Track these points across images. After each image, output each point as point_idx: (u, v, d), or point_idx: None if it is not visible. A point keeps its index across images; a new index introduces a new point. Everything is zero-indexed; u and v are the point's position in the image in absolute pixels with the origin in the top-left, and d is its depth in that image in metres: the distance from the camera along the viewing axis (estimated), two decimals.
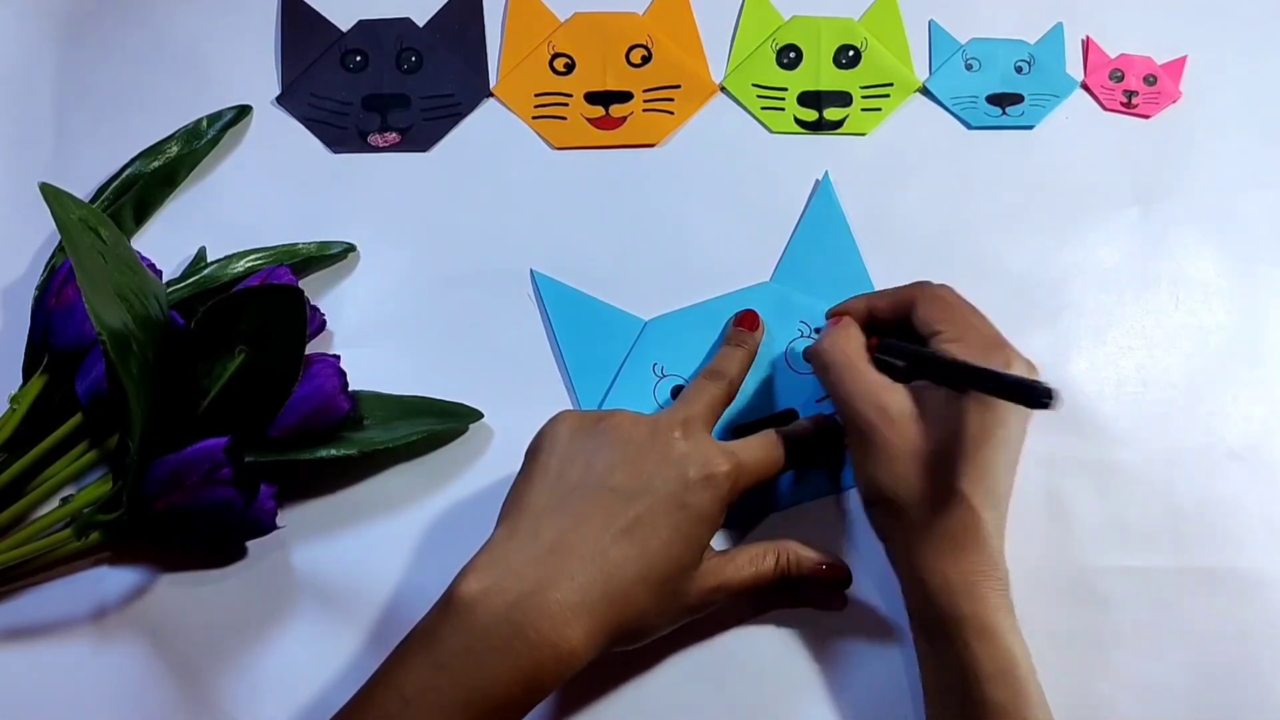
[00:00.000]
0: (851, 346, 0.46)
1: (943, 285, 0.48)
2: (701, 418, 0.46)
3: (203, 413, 0.46)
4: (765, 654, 0.49)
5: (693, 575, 0.43)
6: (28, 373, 0.49)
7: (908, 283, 0.48)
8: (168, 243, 0.54)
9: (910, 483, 0.42)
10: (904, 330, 0.47)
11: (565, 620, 0.38)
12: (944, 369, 0.43)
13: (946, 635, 0.41)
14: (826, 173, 0.56)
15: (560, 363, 0.53)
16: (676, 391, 0.52)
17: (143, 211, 0.55)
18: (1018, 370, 0.43)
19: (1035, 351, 0.54)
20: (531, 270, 0.54)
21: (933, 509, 0.42)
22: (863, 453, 0.44)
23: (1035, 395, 0.37)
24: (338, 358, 0.50)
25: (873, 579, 0.49)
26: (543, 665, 0.38)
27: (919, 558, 0.42)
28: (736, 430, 0.51)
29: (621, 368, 0.52)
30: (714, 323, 0.53)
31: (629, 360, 0.52)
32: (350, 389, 0.49)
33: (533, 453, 0.44)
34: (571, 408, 0.52)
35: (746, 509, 0.50)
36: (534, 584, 0.39)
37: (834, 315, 0.50)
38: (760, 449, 0.46)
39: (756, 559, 0.45)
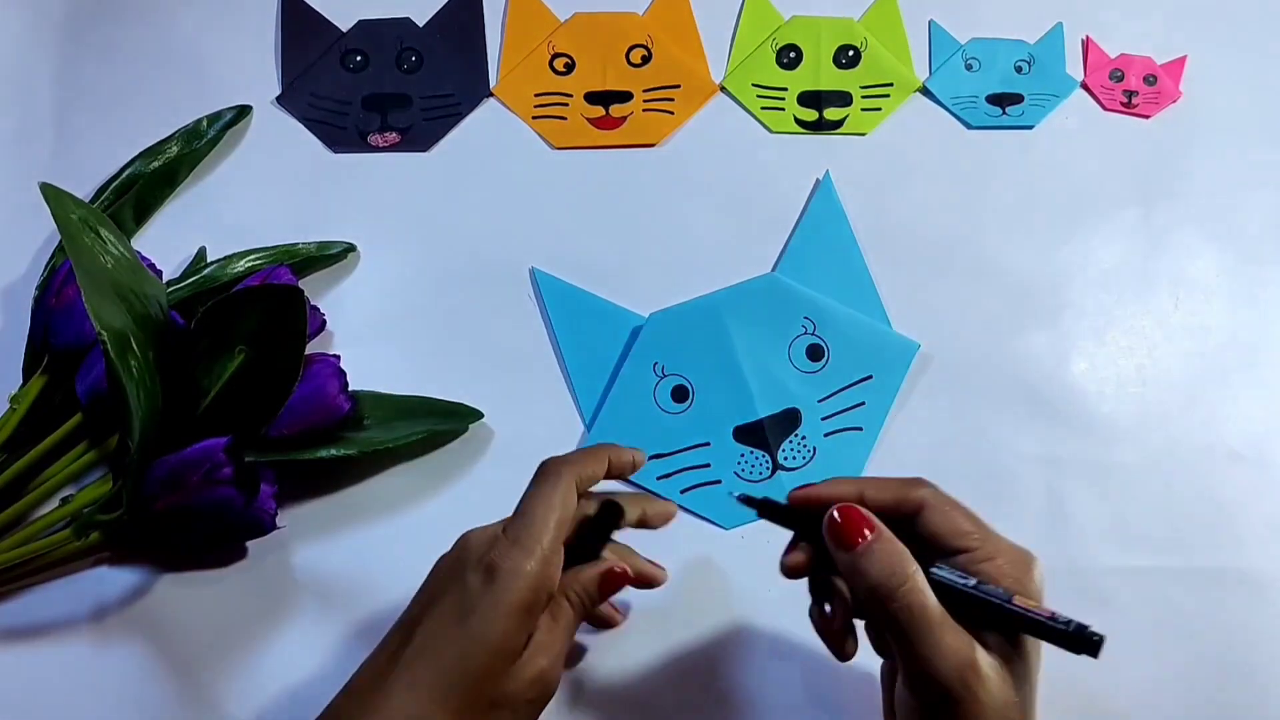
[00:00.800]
0: (920, 581, 0.36)
1: (942, 492, 0.40)
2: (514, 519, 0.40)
3: (203, 413, 0.46)
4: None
5: (511, 672, 0.38)
6: (28, 373, 0.49)
7: (902, 476, 0.40)
8: (168, 243, 0.54)
9: None
10: (900, 532, 0.38)
11: None
12: (1002, 612, 0.36)
13: None
14: (828, 171, 0.55)
15: (560, 362, 0.53)
16: (678, 393, 0.52)
17: (143, 211, 0.55)
18: (1038, 575, 0.38)
19: (1035, 351, 0.54)
20: (532, 268, 0.53)
21: None
22: None
23: (1091, 646, 0.35)
24: (338, 358, 0.50)
25: None
26: None
27: None
28: (738, 431, 0.51)
29: (622, 367, 0.52)
30: (716, 318, 0.53)
31: (629, 359, 0.52)
32: (350, 389, 0.49)
33: None
34: (574, 408, 0.53)
35: (742, 511, 0.48)
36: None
37: (805, 499, 0.40)
38: (536, 511, 0.40)
39: (556, 615, 0.41)
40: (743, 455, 0.51)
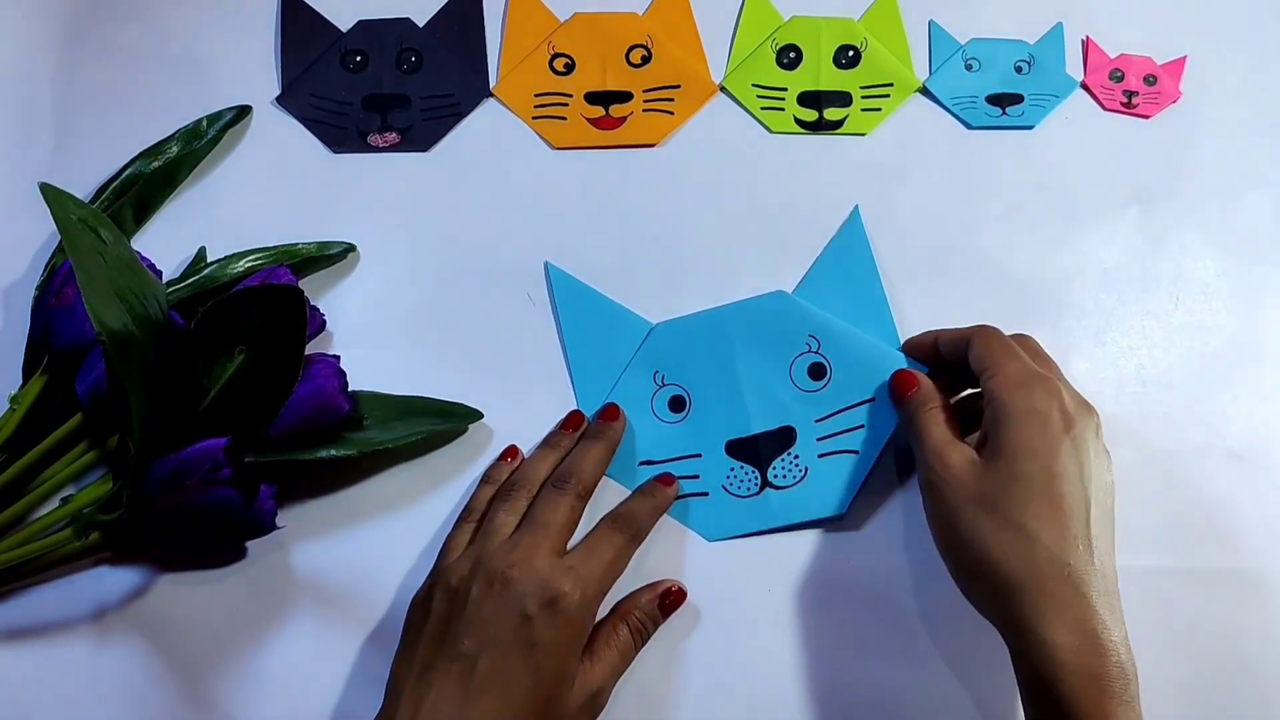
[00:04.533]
0: (933, 412, 0.47)
1: (994, 328, 0.49)
2: (547, 539, 0.45)
3: (203, 413, 0.46)
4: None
5: (568, 697, 0.42)
6: (28, 373, 0.49)
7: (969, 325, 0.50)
8: (168, 243, 0.54)
9: (984, 535, 0.42)
10: (964, 370, 0.48)
11: None
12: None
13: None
14: (857, 207, 0.55)
15: (565, 359, 0.53)
16: (675, 403, 0.51)
17: (143, 211, 0.55)
18: (1040, 398, 0.44)
19: None
20: (546, 263, 0.53)
21: (1017, 562, 0.41)
22: (930, 509, 0.45)
23: None
24: (338, 358, 0.50)
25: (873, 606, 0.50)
26: None
27: (1022, 625, 0.41)
28: (731, 446, 0.51)
29: (623, 371, 0.52)
30: (721, 332, 0.52)
31: (632, 364, 0.52)
32: (350, 389, 0.49)
33: (405, 624, 0.45)
34: (574, 404, 0.53)
35: (726, 525, 0.50)
36: None
37: (897, 380, 0.50)
38: (602, 550, 0.45)
39: (611, 642, 0.45)
40: (732, 469, 0.51)
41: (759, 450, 0.51)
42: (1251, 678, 0.49)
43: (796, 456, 0.50)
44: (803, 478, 0.50)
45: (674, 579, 0.48)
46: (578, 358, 0.52)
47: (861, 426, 0.51)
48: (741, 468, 0.50)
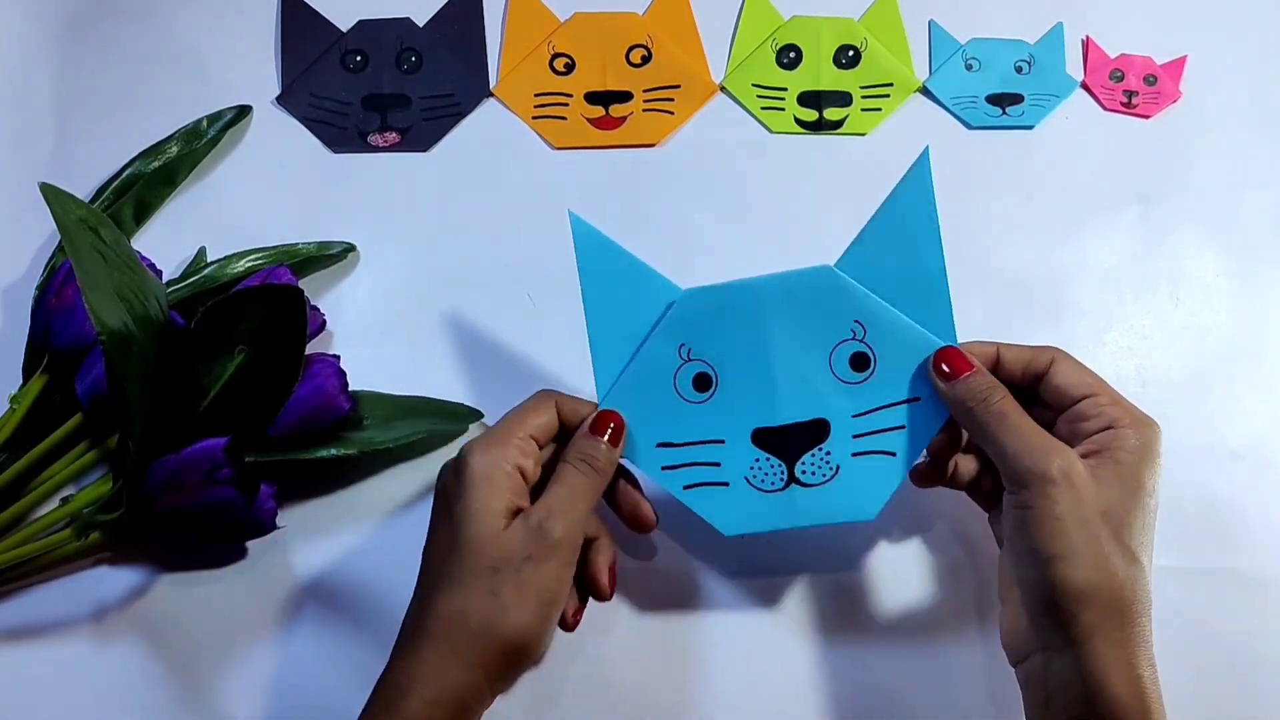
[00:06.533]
0: (1010, 398, 0.42)
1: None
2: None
3: (203, 413, 0.46)
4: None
5: (498, 545, 0.41)
6: (28, 373, 0.49)
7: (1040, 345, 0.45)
8: (168, 243, 0.54)
9: (1109, 553, 0.39)
10: (1027, 394, 0.44)
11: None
12: None
13: None
14: (927, 148, 0.45)
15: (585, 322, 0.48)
16: (700, 380, 0.46)
17: (143, 211, 0.55)
18: (1155, 437, 0.42)
19: None
20: (569, 211, 0.47)
21: (1132, 588, 0.39)
22: (1029, 515, 0.40)
23: None
24: (338, 358, 0.50)
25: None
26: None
27: (1108, 651, 0.38)
28: (757, 434, 0.46)
29: (646, 341, 0.47)
30: (757, 306, 0.46)
31: (655, 334, 0.47)
32: (350, 389, 0.49)
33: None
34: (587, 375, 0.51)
35: (746, 520, 0.46)
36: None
37: (951, 357, 0.44)
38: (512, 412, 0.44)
39: (554, 478, 0.43)
40: (757, 460, 0.46)
41: (788, 442, 0.46)
42: (1252, 677, 0.49)
43: (829, 453, 0.46)
44: (833, 476, 0.46)
45: (597, 406, 0.46)
46: (597, 321, 0.47)
47: (903, 427, 0.45)
48: (768, 459, 0.46)
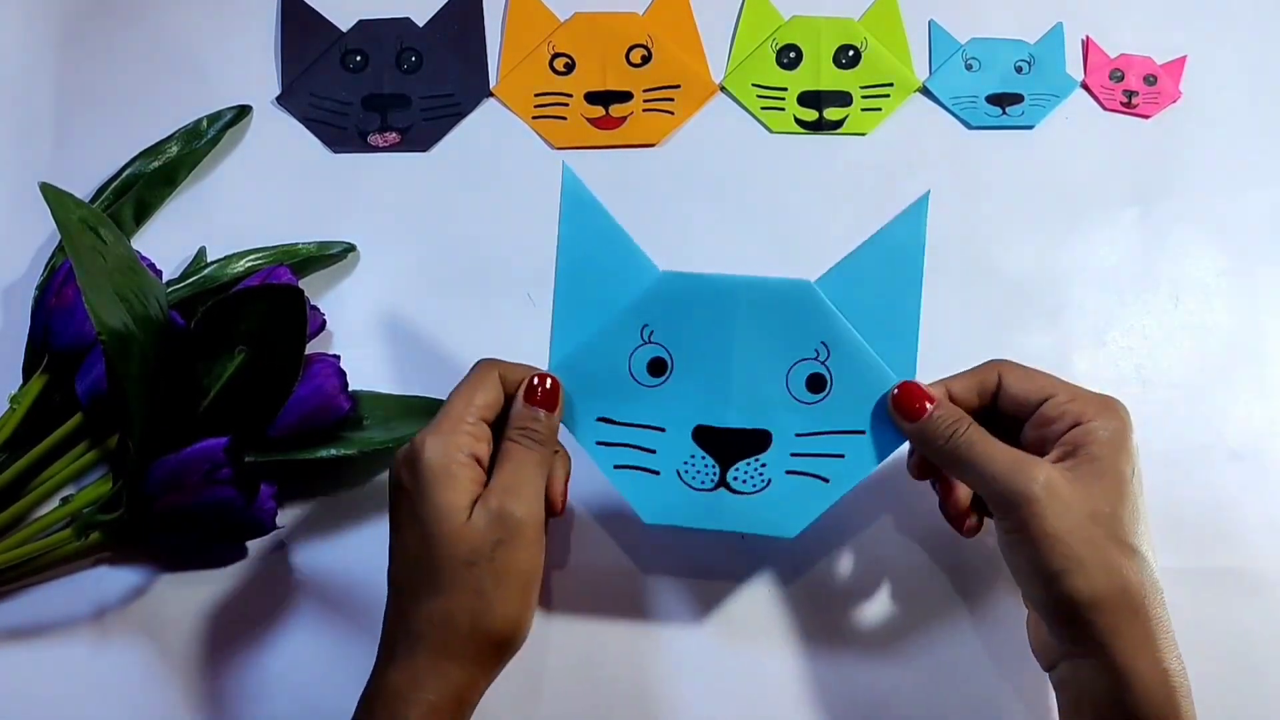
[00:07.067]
0: (975, 426, 0.42)
1: (1018, 363, 0.45)
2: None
3: (203, 413, 0.46)
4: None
5: (464, 537, 0.40)
6: (28, 373, 0.49)
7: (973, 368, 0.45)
8: (168, 243, 0.54)
9: (1110, 556, 0.39)
10: (989, 414, 0.44)
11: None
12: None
13: None
14: (928, 193, 0.46)
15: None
16: (655, 365, 0.46)
17: (143, 211, 0.55)
18: (1122, 413, 0.42)
19: (1035, 352, 0.54)
20: (563, 163, 0.47)
21: (1139, 584, 0.39)
22: (1021, 537, 0.40)
23: None
24: (338, 358, 0.50)
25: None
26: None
27: (1130, 650, 0.39)
28: (699, 431, 0.46)
29: (613, 315, 0.46)
30: (729, 304, 0.46)
31: (621, 312, 0.46)
32: (350, 389, 0.49)
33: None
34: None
35: (668, 511, 0.46)
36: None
37: (911, 391, 0.44)
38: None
39: (499, 459, 0.43)
40: (693, 457, 0.45)
41: (728, 446, 0.46)
42: (1252, 678, 0.49)
43: (764, 465, 0.45)
44: (763, 488, 0.45)
45: (538, 369, 0.45)
46: (567, 280, 0.47)
47: (842, 456, 0.45)
48: (703, 458, 0.45)
